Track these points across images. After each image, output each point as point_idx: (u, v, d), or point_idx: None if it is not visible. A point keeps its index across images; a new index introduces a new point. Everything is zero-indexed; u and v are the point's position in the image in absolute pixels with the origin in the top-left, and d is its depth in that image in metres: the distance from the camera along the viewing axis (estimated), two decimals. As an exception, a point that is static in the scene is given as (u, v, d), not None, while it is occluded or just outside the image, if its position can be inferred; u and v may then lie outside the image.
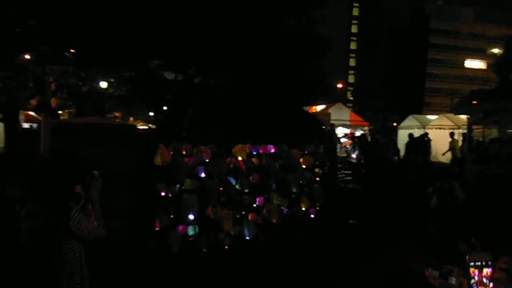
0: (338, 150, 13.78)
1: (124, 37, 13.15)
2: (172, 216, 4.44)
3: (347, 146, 14.91)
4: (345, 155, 14.12)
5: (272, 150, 5.53)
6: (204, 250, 4.68)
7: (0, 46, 10.28)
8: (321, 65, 20.37)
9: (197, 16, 12.27)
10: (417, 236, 5.58)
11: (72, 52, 13.69)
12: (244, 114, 6.10)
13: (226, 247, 4.98)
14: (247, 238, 5.09)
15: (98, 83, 18.90)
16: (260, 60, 13.54)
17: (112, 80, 19.45)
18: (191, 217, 4.46)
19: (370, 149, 12.91)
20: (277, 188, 5.64)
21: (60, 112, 22.94)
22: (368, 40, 63.92)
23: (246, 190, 5.16)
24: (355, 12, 66.28)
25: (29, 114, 17.40)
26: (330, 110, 16.07)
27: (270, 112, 6.36)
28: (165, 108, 17.27)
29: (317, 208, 6.32)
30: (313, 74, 17.69)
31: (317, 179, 6.42)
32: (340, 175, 11.05)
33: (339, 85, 41.75)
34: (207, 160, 4.70)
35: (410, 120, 20.12)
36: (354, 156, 13.70)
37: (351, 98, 63.08)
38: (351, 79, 65.44)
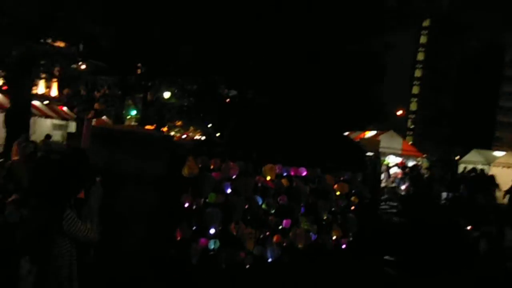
0: (386, 180, 13.17)
1: (191, 51, 13.92)
2: (194, 228, 4.50)
3: (398, 177, 14.18)
4: (393, 185, 13.44)
5: (304, 173, 5.42)
6: (223, 266, 4.67)
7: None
8: (379, 92, 19.83)
9: (262, 40, 12.63)
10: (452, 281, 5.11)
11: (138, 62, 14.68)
12: (283, 135, 6.07)
13: (247, 266, 4.92)
14: (270, 259, 4.99)
15: (163, 93, 20.24)
16: (314, 83, 13.53)
17: (175, 91, 20.68)
18: (212, 231, 4.49)
19: (422, 182, 12.17)
20: (306, 213, 5.49)
21: (128, 117, 24.82)
22: (435, 68, 61.04)
23: (273, 211, 5.08)
24: (423, 40, 63.83)
25: (63, 111, 19.31)
26: (380, 137, 15.44)
27: (309, 135, 6.27)
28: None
29: (350, 238, 6.05)
30: (367, 100, 17.29)
31: (352, 208, 6.16)
32: (384, 207, 10.53)
33: (399, 112, 40.15)
34: (233, 177, 4.73)
35: (473, 155, 18.72)
36: (403, 187, 13.00)
37: (412, 126, 60.28)
38: (413, 106, 62.61)
